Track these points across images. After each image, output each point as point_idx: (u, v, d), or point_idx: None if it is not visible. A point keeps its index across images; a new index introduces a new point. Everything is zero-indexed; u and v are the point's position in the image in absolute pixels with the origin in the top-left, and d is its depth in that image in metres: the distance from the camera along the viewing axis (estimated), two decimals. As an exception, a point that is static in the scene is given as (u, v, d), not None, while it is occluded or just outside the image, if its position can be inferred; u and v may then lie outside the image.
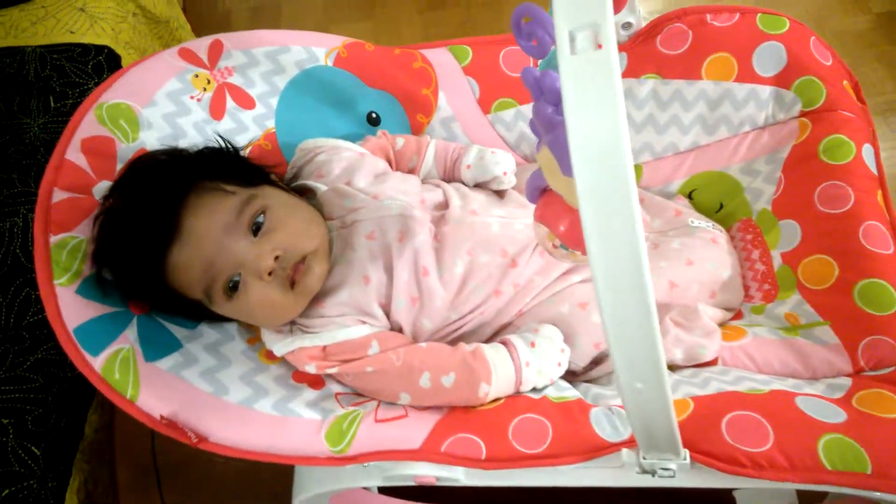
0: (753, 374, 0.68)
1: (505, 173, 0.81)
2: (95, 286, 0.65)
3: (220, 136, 0.76)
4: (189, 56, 0.79)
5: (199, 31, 1.44)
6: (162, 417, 0.61)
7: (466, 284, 0.72)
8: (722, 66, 0.82)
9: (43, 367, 0.85)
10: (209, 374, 0.65)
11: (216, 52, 0.81)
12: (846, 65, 0.82)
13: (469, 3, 1.68)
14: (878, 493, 0.54)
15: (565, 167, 0.45)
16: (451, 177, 0.85)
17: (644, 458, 0.55)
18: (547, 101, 0.45)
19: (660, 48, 0.84)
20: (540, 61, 0.48)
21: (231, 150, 0.75)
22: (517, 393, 0.68)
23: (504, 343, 0.69)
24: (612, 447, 0.60)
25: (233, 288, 0.65)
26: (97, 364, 0.61)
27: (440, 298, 0.71)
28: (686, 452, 0.55)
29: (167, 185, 0.65)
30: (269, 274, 0.65)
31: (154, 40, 1.35)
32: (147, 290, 0.66)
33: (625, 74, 0.85)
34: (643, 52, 0.84)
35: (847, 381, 0.64)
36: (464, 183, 0.84)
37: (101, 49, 1.20)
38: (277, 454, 0.62)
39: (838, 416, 0.58)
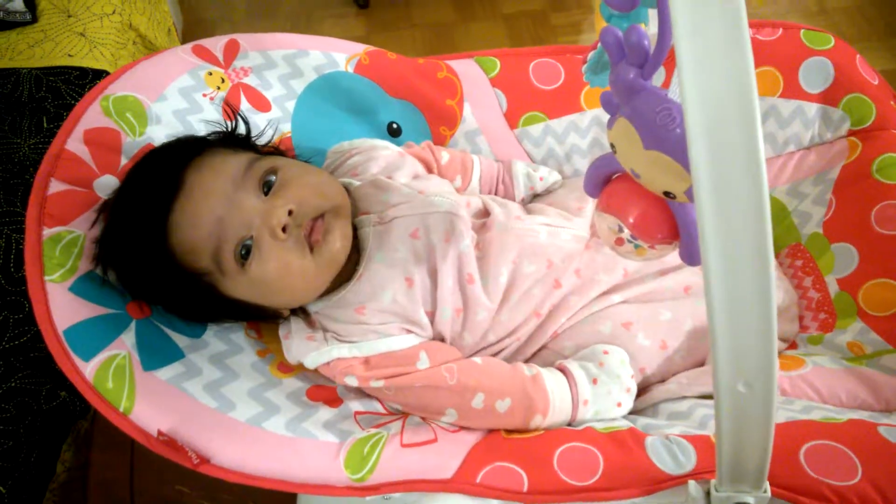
0: (822, 405, 0.62)
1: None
2: (93, 285, 0.58)
3: (230, 107, 0.73)
4: (203, 53, 0.76)
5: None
6: (160, 434, 0.53)
7: (510, 297, 0.67)
8: (767, 80, 0.80)
9: (16, 397, 0.80)
10: (214, 388, 0.58)
11: (232, 51, 0.78)
12: (890, 86, 0.81)
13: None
14: None
15: (648, 139, 0.41)
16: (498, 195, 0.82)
17: (717, 491, 0.49)
18: (630, 63, 0.41)
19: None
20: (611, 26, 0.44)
21: (245, 122, 0.71)
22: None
23: (563, 371, 0.63)
24: (676, 479, 0.53)
25: (245, 255, 0.59)
26: (88, 371, 0.54)
27: (484, 310, 0.66)
28: (768, 485, 0.48)
29: (172, 154, 0.62)
30: (284, 231, 0.59)
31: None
32: (150, 272, 0.60)
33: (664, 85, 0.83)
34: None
35: (929, 413, 0.59)
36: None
37: (98, 73, 1.18)
38: (288, 480, 0.55)
39: (931, 447, 0.53)
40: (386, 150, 0.77)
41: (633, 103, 0.42)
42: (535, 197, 0.84)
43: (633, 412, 0.68)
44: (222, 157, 0.61)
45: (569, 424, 0.63)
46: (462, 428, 0.61)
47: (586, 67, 0.52)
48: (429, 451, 0.57)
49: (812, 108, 0.79)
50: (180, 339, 0.61)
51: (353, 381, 0.61)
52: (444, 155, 0.81)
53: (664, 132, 0.41)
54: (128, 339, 0.57)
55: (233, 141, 0.68)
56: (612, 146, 0.45)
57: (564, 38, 1.66)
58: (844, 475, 0.51)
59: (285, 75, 0.80)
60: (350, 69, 0.82)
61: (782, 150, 0.82)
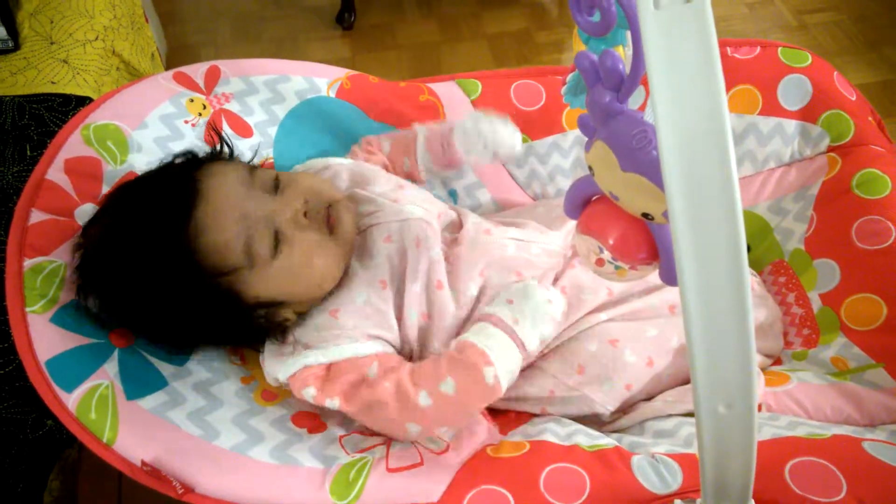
0: (807, 420, 0.63)
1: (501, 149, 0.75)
2: (75, 315, 0.59)
3: (215, 129, 0.75)
4: (184, 80, 0.78)
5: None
6: (143, 464, 0.54)
7: (479, 307, 0.68)
8: (746, 98, 0.82)
9: (1, 427, 0.79)
10: (198, 416, 0.59)
11: (213, 77, 0.79)
12: (868, 102, 0.83)
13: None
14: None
15: (625, 162, 0.42)
16: (448, 161, 0.80)
17: (703, 509, 0.50)
18: (606, 88, 0.43)
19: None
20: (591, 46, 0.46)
21: (229, 145, 0.72)
22: (528, 360, 0.67)
23: (480, 318, 0.65)
24: (662, 499, 0.54)
25: (275, 246, 0.62)
26: (71, 402, 0.55)
27: (451, 316, 0.67)
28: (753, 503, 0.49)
29: (174, 167, 0.65)
30: (305, 216, 0.63)
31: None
32: (163, 277, 0.59)
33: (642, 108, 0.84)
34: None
35: (912, 426, 0.60)
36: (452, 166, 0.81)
37: (82, 99, 1.19)
38: (273, 509, 0.55)
39: (914, 462, 0.54)
40: (344, 163, 0.78)
41: (609, 126, 0.44)
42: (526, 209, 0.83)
43: (620, 430, 0.69)
44: (224, 165, 0.65)
45: (529, 351, 0.63)
46: (448, 449, 0.61)
47: (565, 90, 0.53)
48: (414, 476, 0.58)
49: (791, 125, 0.82)
50: (164, 367, 0.61)
51: (311, 392, 0.61)
52: (385, 145, 0.83)
53: (640, 154, 0.42)
54: (111, 368, 0.58)
55: (221, 159, 0.69)
56: (591, 168, 0.47)
57: (549, 55, 1.68)
58: (829, 492, 0.52)
59: (267, 100, 0.81)
60: (332, 94, 0.84)
61: (763, 167, 0.84)
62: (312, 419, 0.63)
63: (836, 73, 0.81)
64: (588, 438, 0.63)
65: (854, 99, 0.81)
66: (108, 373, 0.57)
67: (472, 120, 0.76)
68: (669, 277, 0.48)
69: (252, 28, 1.82)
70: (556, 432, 0.64)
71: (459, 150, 0.76)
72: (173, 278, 0.59)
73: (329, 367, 0.62)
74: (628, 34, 0.46)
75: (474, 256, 0.69)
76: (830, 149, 0.80)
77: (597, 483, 0.56)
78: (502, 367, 0.59)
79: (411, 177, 0.82)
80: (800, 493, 0.52)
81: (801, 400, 0.66)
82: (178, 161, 0.66)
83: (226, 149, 0.70)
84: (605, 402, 0.67)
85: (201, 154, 0.68)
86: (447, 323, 0.67)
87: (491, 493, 0.56)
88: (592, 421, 0.70)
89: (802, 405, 0.66)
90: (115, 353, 0.59)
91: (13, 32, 1.21)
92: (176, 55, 1.72)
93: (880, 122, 0.82)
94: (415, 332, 0.66)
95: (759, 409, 0.67)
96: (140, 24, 1.47)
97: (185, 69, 0.79)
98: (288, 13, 1.84)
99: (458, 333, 0.66)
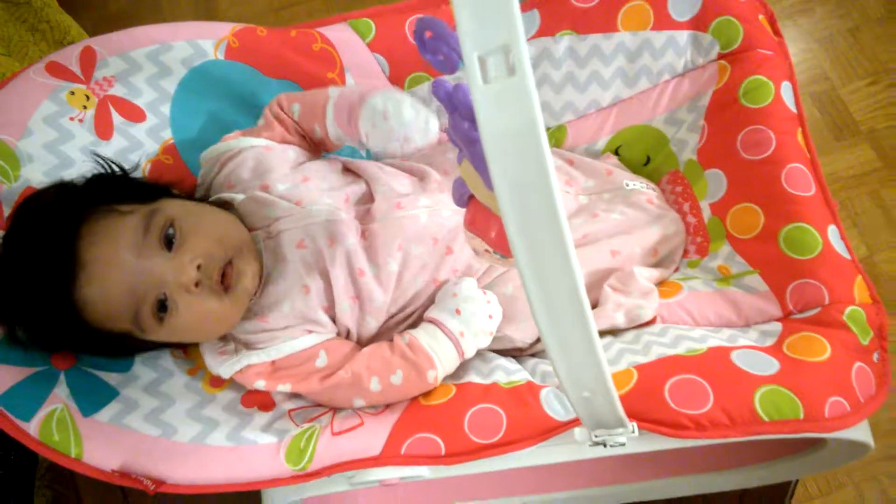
0: (691, 331, 0.75)
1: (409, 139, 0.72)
2: (11, 348, 0.64)
3: (101, 157, 0.74)
4: (59, 70, 0.75)
5: (67, 6, 1.34)
6: (113, 471, 0.62)
7: (403, 277, 0.75)
8: (637, 14, 0.84)
9: None
10: (153, 417, 0.67)
11: (89, 60, 0.77)
12: (762, -1, 0.85)
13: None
14: (811, 435, 0.62)
15: (488, 183, 0.48)
16: (352, 138, 0.78)
17: (595, 436, 0.61)
18: (462, 117, 0.47)
19: (573, 2, 0.85)
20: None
21: (119, 170, 0.73)
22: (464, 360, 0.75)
23: (433, 322, 0.74)
24: (565, 426, 0.66)
25: (161, 309, 0.64)
26: (32, 429, 0.62)
27: (379, 297, 0.74)
28: (634, 425, 0.60)
29: (55, 221, 0.63)
30: (197, 285, 0.65)
31: (17, 25, 1.26)
32: (66, 335, 0.66)
33: (539, 33, 0.87)
34: (556, 9, 0.86)
35: (778, 327, 0.72)
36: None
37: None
38: (240, 483, 0.65)
39: (772, 366, 0.66)
40: (252, 148, 0.78)
41: (470, 150, 0.48)
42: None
43: (537, 355, 0.80)
44: (112, 220, 0.64)
45: (465, 356, 0.74)
46: (386, 408, 0.71)
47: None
48: (358, 435, 0.68)
49: (683, 36, 0.85)
50: (111, 377, 0.69)
51: (261, 386, 0.70)
52: (296, 108, 0.80)
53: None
54: (61, 391, 0.64)
55: (113, 186, 0.70)
56: (464, 179, 0.52)
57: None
58: (699, 404, 0.64)
59: (153, 76, 0.80)
60: (220, 56, 0.83)
61: (657, 80, 0.88)
62: (262, 396, 0.72)
63: (725, -24, 0.83)
64: (505, 374, 0.73)
65: (744, 0, 0.84)
66: (60, 396, 0.64)
67: (383, 100, 0.71)
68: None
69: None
70: (480, 370, 0.75)
71: (363, 131, 0.73)
72: (71, 336, 0.65)
73: (273, 363, 0.70)
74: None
75: (390, 234, 0.74)
76: (720, 56, 0.85)
77: (512, 418, 0.67)
78: (443, 370, 0.71)
79: (323, 145, 0.83)
80: (676, 409, 0.64)
81: (690, 309, 0.77)
82: (61, 209, 0.64)
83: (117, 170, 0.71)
84: (524, 338, 0.78)
85: (94, 178, 0.69)
86: (377, 304, 0.74)
87: (424, 440, 0.66)
88: (514, 348, 0.80)
89: (690, 313, 0.77)
90: (62, 377, 0.65)
91: None
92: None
93: (772, 17, 0.86)
94: (349, 316, 0.74)
95: (654, 320, 0.78)
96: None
97: (57, 56, 0.76)
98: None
99: (387, 310, 0.75)
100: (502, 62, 0.36)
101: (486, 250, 0.57)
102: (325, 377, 0.70)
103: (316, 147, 0.84)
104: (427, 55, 0.48)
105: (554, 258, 0.39)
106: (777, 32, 0.85)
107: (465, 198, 0.57)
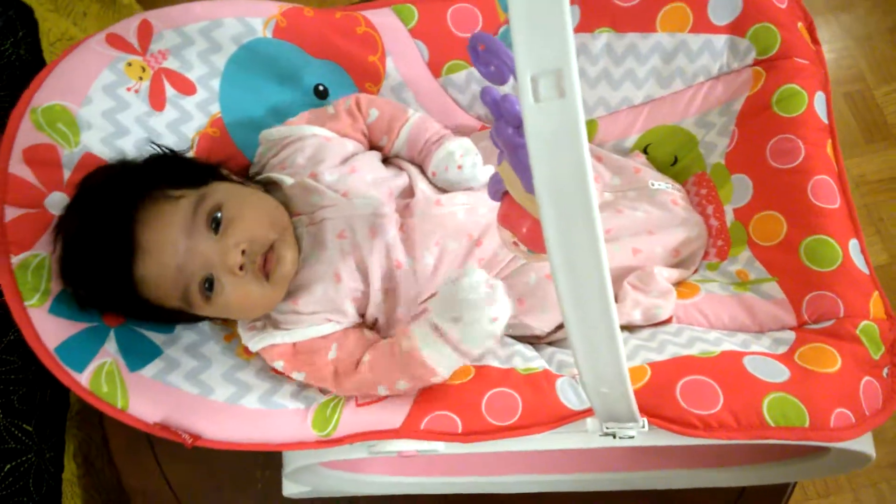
0: (705, 333, 0.78)
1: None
2: (67, 303, 0.69)
3: (156, 144, 0.79)
4: (118, 42, 0.79)
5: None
6: (155, 423, 0.68)
7: (438, 271, 0.79)
8: (677, 16, 0.86)
9: (18, 349, 0.91)
10: (193, 377, 0.72)
11: (146, 34, 0.80)
12: (801, 2, 0.86)
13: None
14: (815, 443, 0.66)
15: (527, 186, 0.51)
16: (418, 162, 0.87)
17: (606, 427, 0.65)
18: (507, 123, 0.50)
19: (615, 0, 0.86)
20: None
21: (171, 153, 0.78)
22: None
23: (434, 326, 0.70)
24: (577, 415, 0.69)
25: (209, 288, 0.69)
26: (84, 380, 0.67)
27: (413, 289, 0.78)
28: (644, 420, 0.64)
29: (115, 204, 0.68)
30: (241, 269, 0.69)
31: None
32: (122, 305, 0.72)
33: (578, 28, 0.88)
34: (596, 5, 0.87)
35: (791, 336, 0.75)
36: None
37: (7, 3, 1.15)
38: (269, 443, 0.71)
39: (782, 374, 0.69)
40: (314, 136, 0.83)
41: (512, 154, 0.52)
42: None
43: (554, 343, 0.83)
44: (165, 206, 0.69)
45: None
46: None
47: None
48: (380, 408, 0.72)
49: (720, 40, 0.86)
50: (156, 337, 0.74)
51: (280, 366, 0.74)
52: (373, 113, 0.87)
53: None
54: (110, 346, 0.70)
55: (167, 169, 0.75)
56: (502, 177, 0.55)
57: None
58: (709, 405, 0.67)
59: (204, 51, 0.83)
60: (269, 34, 0.86)
61: (692, 82, 0.90)
62: (290, 365, 0.77)
63: (767, -19, 0.84)
64: (523, 361, 0.77)
65: (785, 6, 0.84)
66: (110, 351, 0.70)
67: (460, 150, 0.82)
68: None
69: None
70: (498, 355, 0.79)
71: (432, 168, 0.83)
72: (128, 300, 0.70)
73: (294, 345, 0.74)
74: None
75: (428, 229, 0.78)
76: (756, 62, 0.86)
77: (527, 404, 0.71)
78: (448, 373, 0.71)
79: (379, 149, 0.88)
80: (686, 408, 0.67)
81: (706, 311, 0.80)
82: (119, 193, 0.69)
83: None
84: (542, 327, 0.81)
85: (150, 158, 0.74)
86: (411, 294, 0.78)
87: (442, 418, 0.71)
88: (532, 336, 0.84)
89: (706, 315, 0.80)
90: (112, 333, 0.71)
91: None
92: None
93: (811, 25, 0.87)
94: (381, 307, 0.78)
95: (670, 320, 0.81)
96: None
97: (116, 28, 0.79)
98: None
99: (418, 301, 0.78)
100: (553, 84, 0.39)
101: (515, 243, 0.60)
102: (336, 376, 0.73)
103: (372, 147, 0.89)
104: (480, 66, 0.50)
105: (586, 267, 0.43)
106: (815, 41, 0.86)
107: (499, 193, 0.61)
